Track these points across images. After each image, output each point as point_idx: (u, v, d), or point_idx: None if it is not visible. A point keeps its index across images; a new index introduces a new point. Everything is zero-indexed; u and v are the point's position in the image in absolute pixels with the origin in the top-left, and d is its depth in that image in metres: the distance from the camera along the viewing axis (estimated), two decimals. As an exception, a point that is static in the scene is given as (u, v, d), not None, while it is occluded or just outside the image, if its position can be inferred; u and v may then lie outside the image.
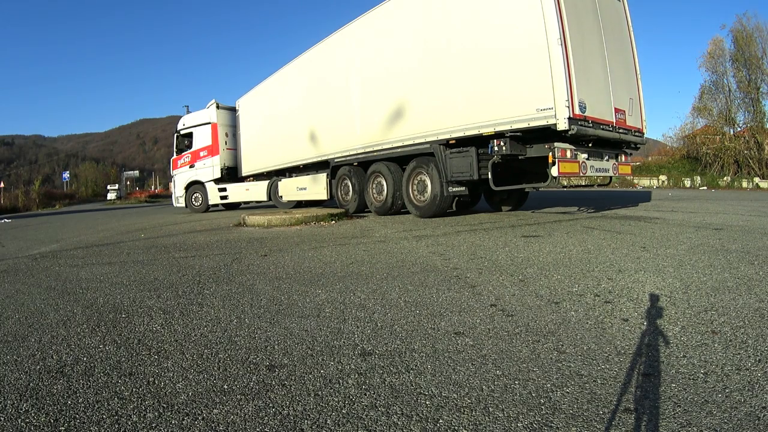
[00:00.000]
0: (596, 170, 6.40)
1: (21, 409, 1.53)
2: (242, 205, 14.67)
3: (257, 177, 13.15)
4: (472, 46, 6.38)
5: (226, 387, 1.63)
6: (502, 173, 6.65)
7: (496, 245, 4.47)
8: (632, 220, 6.21)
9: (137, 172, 64.88)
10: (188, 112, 14.29)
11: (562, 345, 1.89)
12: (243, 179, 13.68)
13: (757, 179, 21.16)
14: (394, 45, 7.74)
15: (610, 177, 6.93)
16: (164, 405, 1.52)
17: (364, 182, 8.77)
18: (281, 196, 11.99)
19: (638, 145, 7.39)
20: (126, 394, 1.61)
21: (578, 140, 6.03)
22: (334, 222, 7.44)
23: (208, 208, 13.84)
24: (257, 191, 13.06)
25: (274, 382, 1.66)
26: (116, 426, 1.40)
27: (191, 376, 1.74)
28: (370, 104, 8.33)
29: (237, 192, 13.51)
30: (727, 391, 1.47)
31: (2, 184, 29.41)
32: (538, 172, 6.39)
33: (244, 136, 13.25)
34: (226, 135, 13.66)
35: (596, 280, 2.93)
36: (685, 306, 2.35)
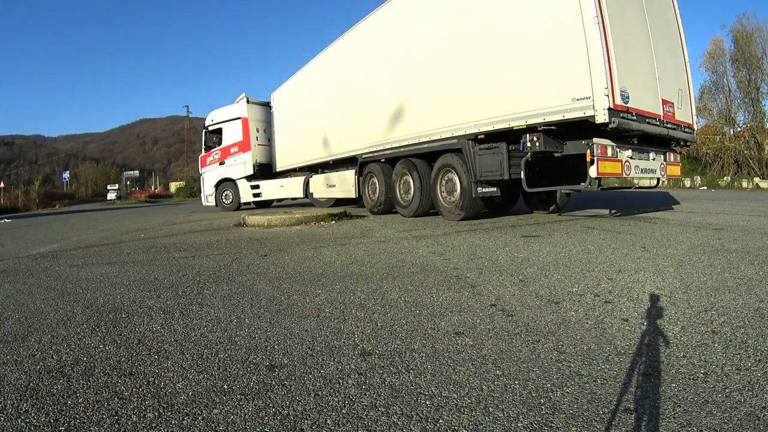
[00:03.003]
0: (641, 171, 5.57)
1: (21, 409, 1.53)
2: (275, 203, 14.02)
3: (293, 172, 12.51)
4: (497, 28, 5.74)
5: (226, 387, 1.63)
6: (539, 172, 5.98)
7: (496, 245, 4.47)
8: (632, 220, 6.20)
9: (137, 172, 65.09)
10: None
11: (562, 345, 1.89)
12: (277, 175, 12.93)
13: (757, 179, 21.14)
14: (418, 32, 7.14)
15: (658, 179, 6.13)
16: (164, 405, 1.52)
17: (392, 180, 8.05)
18: (312, 193, 11.50)
19: (688, 143, 6.42)
20: (126, 394, 1.61)
21: (620, 135, 5.23)
22: (334, 222, 7.44)
23: (239, 206, 13.11)
24: (293, 188, 12.27)
25: (274, 382, 1.66)
26: (116, 426, 1.40)
27: (191, 376, 1.74)
28: (396, 96, 7.75)
29: (271, 189, 12.77)
30: (727, 391, 1.47)
31: (2, 184, 29.41)
32: (579, 171, 5.44)
33: (279, 130, 12.63)
34: (257, 130, 12.99)
35: (596, 280, 2.93)
36: (685, 306, 2.35)
